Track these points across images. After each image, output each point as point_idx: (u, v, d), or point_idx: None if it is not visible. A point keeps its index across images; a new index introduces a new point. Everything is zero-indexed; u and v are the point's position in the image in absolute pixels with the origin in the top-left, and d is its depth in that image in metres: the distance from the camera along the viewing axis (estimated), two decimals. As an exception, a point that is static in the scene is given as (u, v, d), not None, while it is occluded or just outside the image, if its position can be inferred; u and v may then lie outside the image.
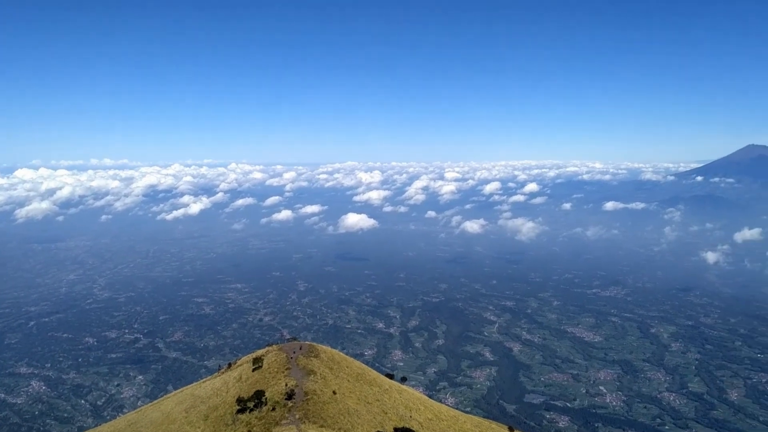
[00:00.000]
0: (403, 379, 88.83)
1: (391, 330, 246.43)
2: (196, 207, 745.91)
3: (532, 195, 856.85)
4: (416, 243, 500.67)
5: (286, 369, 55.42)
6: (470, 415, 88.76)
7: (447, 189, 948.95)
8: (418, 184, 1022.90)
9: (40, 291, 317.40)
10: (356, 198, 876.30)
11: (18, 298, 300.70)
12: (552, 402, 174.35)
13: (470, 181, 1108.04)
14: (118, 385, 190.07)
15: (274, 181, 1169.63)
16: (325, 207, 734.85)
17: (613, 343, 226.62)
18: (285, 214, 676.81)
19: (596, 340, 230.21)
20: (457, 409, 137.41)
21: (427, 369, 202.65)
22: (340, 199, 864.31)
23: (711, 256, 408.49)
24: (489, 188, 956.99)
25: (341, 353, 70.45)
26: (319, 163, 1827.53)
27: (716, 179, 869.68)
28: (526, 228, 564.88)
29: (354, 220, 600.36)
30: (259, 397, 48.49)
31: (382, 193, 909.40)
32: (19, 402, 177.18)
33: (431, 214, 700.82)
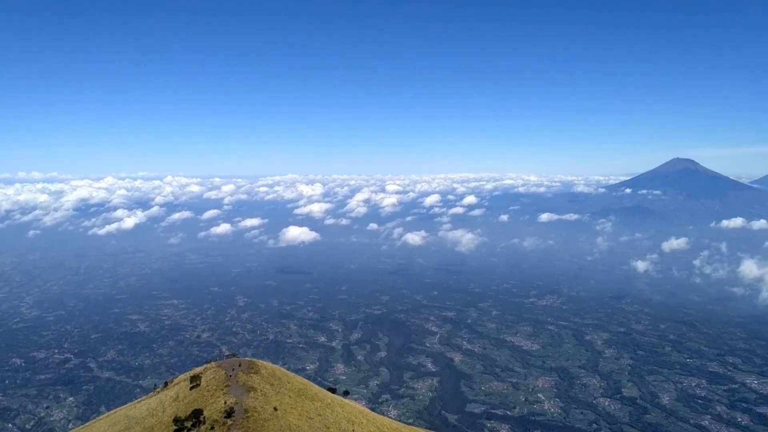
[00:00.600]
0: (346, 393, 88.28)
1: (334, 343, 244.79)
2: (130, 221, 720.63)
3: (471, 207, 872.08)
4: (358, 255, 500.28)
5: (225, 386, 54.21)
6: (413, 427, 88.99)
7: (388, 201, 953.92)
8: (360, 196, 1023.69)
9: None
10: (297, 211, 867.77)
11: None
12: (492, 411, 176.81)
13: (411, 194, 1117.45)
14: (47, 407, 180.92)
15: (212, 194, 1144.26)
16: (266, 220, 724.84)
17: (550, 350, 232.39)
18: (224, 228, 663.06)
19: (534, 349, 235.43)
20: (399, 421, 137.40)
21: (369, 382, 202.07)
22: (280, 212, 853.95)
23: (641, 265, 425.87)
24: (429, 200, 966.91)
25: (282, 368, 69.42)
26: (258, 176, 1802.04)
27: (644, 191, 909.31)
28: (465, 239, 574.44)
29: (295, 233, 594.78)
30: (197, 416, 47.12)
31: (324, 206, 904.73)
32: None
33: (373, 226, 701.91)
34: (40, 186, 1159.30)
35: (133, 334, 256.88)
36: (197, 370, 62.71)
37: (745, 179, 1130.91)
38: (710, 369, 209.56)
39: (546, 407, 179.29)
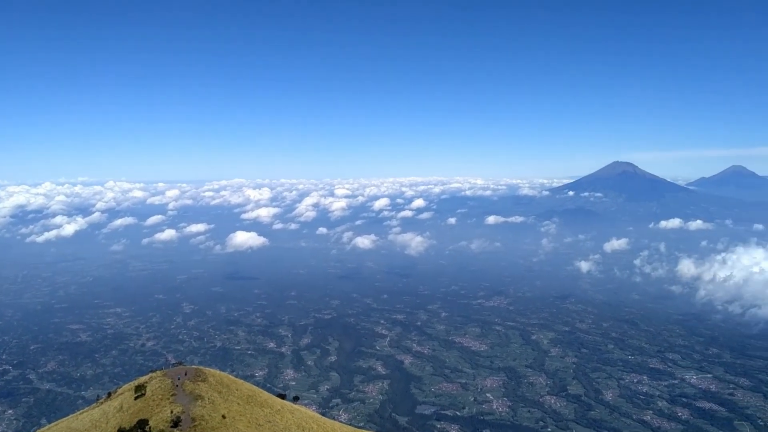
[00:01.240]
0: (296, 399, 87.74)
1: (283, 349, 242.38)
2: (70, 228, 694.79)
3: (420, 210, 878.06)
4: (307, 260, 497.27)
5: (172, 395, 53.12)
6: (363, 431, 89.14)
7: (337, 205, 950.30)
8: (309, 200, 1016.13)
9: None
10: (244, 216, 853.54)
11: None
12: (442, 412, 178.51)
13: (360, 198, 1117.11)
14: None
15: (156, 200, 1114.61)
16: (212, 225, 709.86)
17: (498, 351, 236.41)
18: (168, 234, 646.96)
19: (482, 349, 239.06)
20: (350, 425, 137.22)
21: (319, 387, 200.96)
22: (227, 217, 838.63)
23: (584, 266, 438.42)
24: (378, 204, 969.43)
25: (230, 376, 68.56)
26: (204, 180, 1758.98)
27: (586, 194, 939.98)
28: (414, 242, 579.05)
29: (243, 239, 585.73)
30: (142, 426, 45.99)
31: (272, 211, 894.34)
32: None
33: (322, 230, 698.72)
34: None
35: (75, 344, 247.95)
36: (142, 379, 61.18)
37: (681, 181, 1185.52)
38: (651, 365, 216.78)
39: (494, 407, 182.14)
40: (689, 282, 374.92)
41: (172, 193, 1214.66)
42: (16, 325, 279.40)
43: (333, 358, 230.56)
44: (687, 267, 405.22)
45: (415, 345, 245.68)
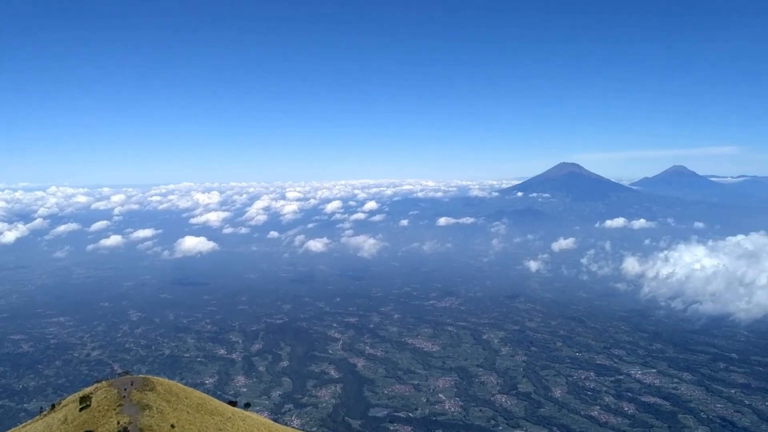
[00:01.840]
0: (247, 405, 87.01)
1: (234, 355, 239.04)
2: (10, 235, 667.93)
3: (372, 213, 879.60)
4: (258, 264, 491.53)
5: (118, 405, 52.15)
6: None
7: (289, 209, 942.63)
8: (259, 204, 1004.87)
9: None
10: (193, 220, 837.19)
11: None
12: (395, 414, 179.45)
13: (312, 201, 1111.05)
14: None
15: (101, 205, 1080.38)
16: (160, 231, 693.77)
17: (450, 351, 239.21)
18: (114, 240, 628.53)
19: (435, 350, 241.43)
20: (303, 430, 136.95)
21: (271, 392, 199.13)
22: (175, 222, 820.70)
23: (533, 265, 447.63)
24: (330, 207, 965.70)
25: (179, 384, 67.61)
26: (151, 185, 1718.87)
27: (534, 194, 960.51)
28: (367, 245, 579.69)
29: (191, 244, 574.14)
30: (87, 439, 45.13)
31: (221, 215, 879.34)
32: None
33: (273, 234, 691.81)
34: None
35: (16, 354, 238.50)
36: (87, 390, 59.71)
37: (625, 182, 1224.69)
38: (598, 362, 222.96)
39: (447, 407, 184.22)
40: (633, 279, 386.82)
41: (118, 197, 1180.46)
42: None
43: (285, 363, 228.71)
44: (631, 265, 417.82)
45: (368, 347, 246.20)
